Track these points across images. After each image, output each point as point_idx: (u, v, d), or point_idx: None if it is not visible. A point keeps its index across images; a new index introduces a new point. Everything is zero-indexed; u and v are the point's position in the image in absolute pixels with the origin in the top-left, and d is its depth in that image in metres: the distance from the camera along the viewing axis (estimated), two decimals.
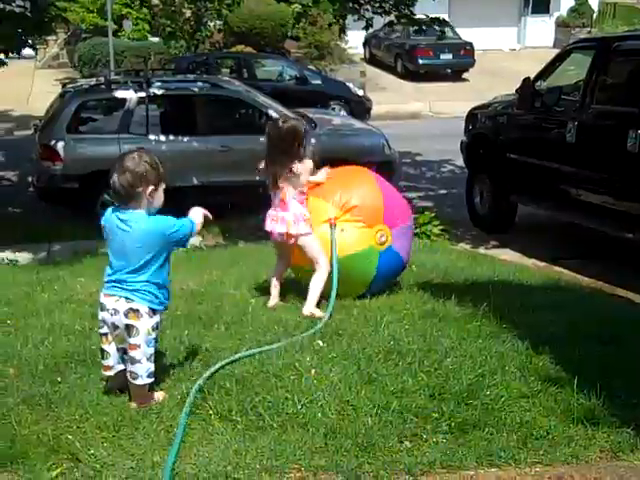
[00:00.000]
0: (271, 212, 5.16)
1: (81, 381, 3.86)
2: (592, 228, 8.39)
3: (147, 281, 3.56)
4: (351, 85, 19.33)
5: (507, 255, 9.08)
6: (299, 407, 3.49)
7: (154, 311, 3.60)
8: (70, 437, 3.32)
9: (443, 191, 12.67)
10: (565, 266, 8.43)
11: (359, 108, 17.78)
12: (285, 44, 24.92)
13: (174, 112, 11.74)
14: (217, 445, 3.25)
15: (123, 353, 3.64)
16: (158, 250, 3.59)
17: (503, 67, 25.51)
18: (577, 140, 8.27)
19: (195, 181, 11.02)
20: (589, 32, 28.82)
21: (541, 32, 30.78)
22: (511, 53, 30.10)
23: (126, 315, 3.54)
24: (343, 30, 16.85)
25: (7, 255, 8.80)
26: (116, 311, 3.56)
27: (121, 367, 3.66)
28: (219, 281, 6.15)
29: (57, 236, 9.85)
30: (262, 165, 5.22)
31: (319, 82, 18.36)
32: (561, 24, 30.69)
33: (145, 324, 3.55)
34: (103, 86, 11.43)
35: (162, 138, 11.05)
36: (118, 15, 23.06)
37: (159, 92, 11.31)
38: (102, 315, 3.63)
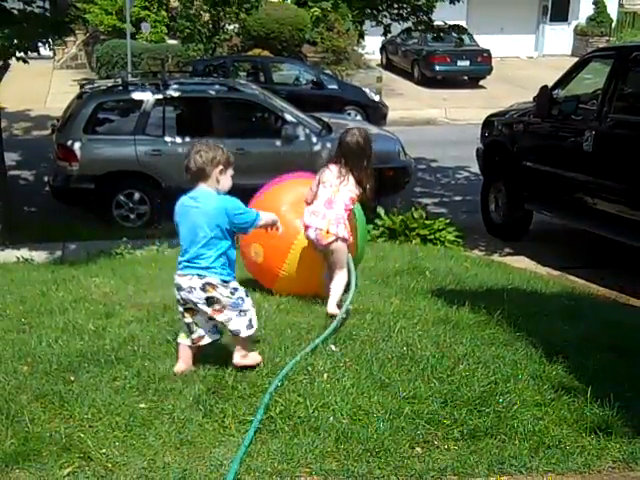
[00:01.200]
0: (312, 208, 5.10)
1: (94, 380, 3.88)
2: (608, 237, 8.35)
3: (217, 257, 3.88)
4: (367, 90, 19.28)
5: (521, 263, 9.05)
6: (311, 411, 3.50)
7: (226, 281, 3.90)
8: (82, 436, 3.33)
9: (458, 198, 12.64)
10: (579, 275, 8.39)
11: (375, 113, 17.73)
12: (302, 49, 24.92)
13: (190, 114, 11.76)
14: (229, 447, 3.26)
15: (213, 325, 4.01)
16: (224, 228, 3.89)
17: (520, 75, 25.43)
18: (594, 149, 8.24)
19: None
20: (608, 41, 28.69)
21: (559, 40, 30.65)
22: (529, 61, 30.00)
23: (203, 289, 3.88)
24: (362, 35, 16.82)
25: (22, 254, 8.84)
26: (192, 288, 3.89)
27: (216, 337, 4.05)
28: None
29: (72, 236, 9.90)
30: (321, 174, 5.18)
31: (335, 87, 18.32)
32: (580, 33, 30.54)
33: (222, 292, 3.90)
34: (120, 87, 11.48)
35: (178, 140, 11.08)
36: (136, 17, 23.15)
37: (176, 94, 11.34)
38: (180, 294, 3.96)
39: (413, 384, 3.76)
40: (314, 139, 11.39)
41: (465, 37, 19.30)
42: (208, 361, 4.06)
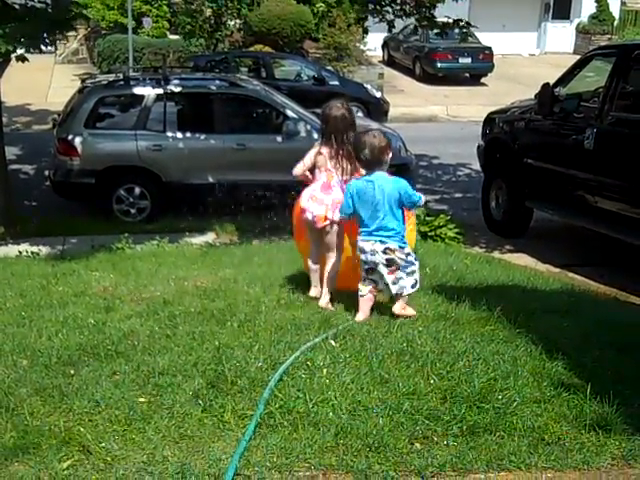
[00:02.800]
0: (311, 191, 5.19)
1: (94, 374, 3.88)
2: (608, 235, 8.35)
3: (392, 228, 4.74)
4: (369, 87, 19.27)
5: (522, 260, 9.06)
6: (310, 406, 3.49)
7: (401, 247, 4.77)
8: (82, 429, 3.33)
9: (459, 195, 12.64)
10: (579, 272, 8.40)
11: (376, 110, 17.72)
12: (304, 45, 24.89)
13: (191, 110, 11.76)
14: (228, 442, 3.26)
15: (386, 283, 4.81)
16: (397, 203, 4.75)
17: (522, 72, 25.41)
18: (595, 147, 8.24)
19: (210, 179, 11.04)
20: (610, 39, 28.66)
21: (561, 38, 30.63)
22: (530, 58, 29.97)
23: (384, 252, 4.75)
24: (366, 31, 16.78)
25: (23, 248, 8.85)
26: (374, 251, 4.76)
27: (394, 289, 4.82)
28: (233, 279, 6.16)
29: (73, 230, 9.91)
30: (316, 148, 5.26)
31: (337, 83, 18.30)
32: (582, 30, 30.52)
33: (399, 255, 4.78)
34: (122, 82, 11.47)
35: (179, 135, 11.09)
36: (138, 12, 23.12)
37: (177, 89, 11.34)
38: (364, 257, 4.82)
39: (413, 380, 3.76)
40: (315, 135, 11.37)
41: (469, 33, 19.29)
42: (207, 355, 4.06)
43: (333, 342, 4.28)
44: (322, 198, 5.12)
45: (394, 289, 4.82)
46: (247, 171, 11.04)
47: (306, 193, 5.23)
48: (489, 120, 10.98)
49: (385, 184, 4.75)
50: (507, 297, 5.32)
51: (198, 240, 9.77)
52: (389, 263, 4.77)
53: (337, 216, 5.07)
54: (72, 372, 3.91)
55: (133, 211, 10.97)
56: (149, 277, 6.49)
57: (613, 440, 3.36)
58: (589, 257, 8.97)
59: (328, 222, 5.11)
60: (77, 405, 3.54)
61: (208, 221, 10.45)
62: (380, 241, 4.74)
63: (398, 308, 4.82)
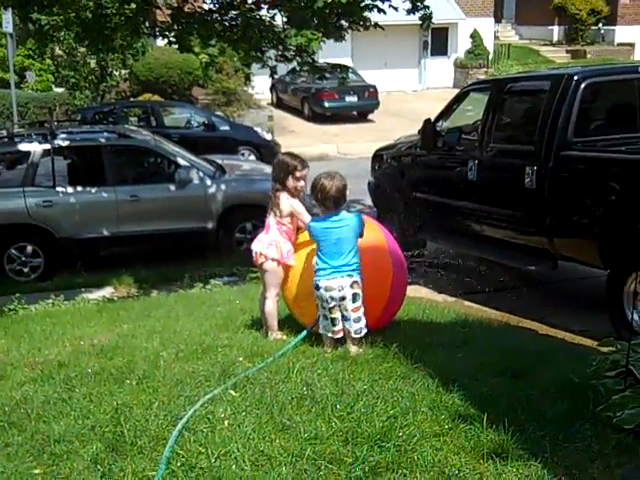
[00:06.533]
0: (259, 235, 5.60)
1: None
2: (498, 262, 8.65)
3: (356, 261, 4.98)
4: (259, 130, 19.46)
5: (418, 292, 9.21)
6: (213, 460, 3.46)
7: (361, 278, 4.99)
8: None
9: None
10: (474, 300, 8.62)
11: (268, 152, 17.84)
12: (193, 91, 24.96)
13: (81, 163, 11.62)
14: None
15: (343, 318, 5.00)
16: (357, 238, 5.03)
17: (407, 107, 26.15)
18: (478, 178, 8.54)
19: (105, 232, 10.89)
20: (486, 72, 29.90)
21: (441, 73, 31.74)
22: (414, 94, 30.90)
23: (351, 286, 4.94)
24: (248, 77, 17.04)
25: None
26: (342, 287, 4.93)
27: (355, 327, 4.99)
28: (131, 334, 6.07)
29: None
30: None
31: (227, 128, 18.42)
32: (459, 65, 31.77)
33: (361, 290, 4.97)
34: (6, 139, 11.24)
35: (70, 190, 10.92)
36: (20, 67, 22.71)
37: (64, 144, 11.19)
38: (329, 294, 4.96)
39: (314, 424, 3.78)
40: (208, 182, 11.39)
41: (351, 74, 19.75)
42: (105, 417, 3.98)
43: (233, 392, 4.27)
44: (262, 238, 5.49)
45: (355, 327, 4.99)
46: (142, 222, 10.96)
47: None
48: (377, 156, 11.24)
49: (350, 221, 5.04)
50: (403, 332, 5.43)
51: (95, 295, 9.59)
52: (355, 298, 4.96)
53: (271, 253, 5.37)
54: None
55: (26, 270, 10.70)
56: (43, 339, 6.33)
57: (511, 467, 3.44)
58: (483, 284, 9.23)
59: (263, 259, 5.41)
60: None
61: (105, 275, 10.27)
62: (348, 275, 4.95)
63: (355, 350, 4.96)
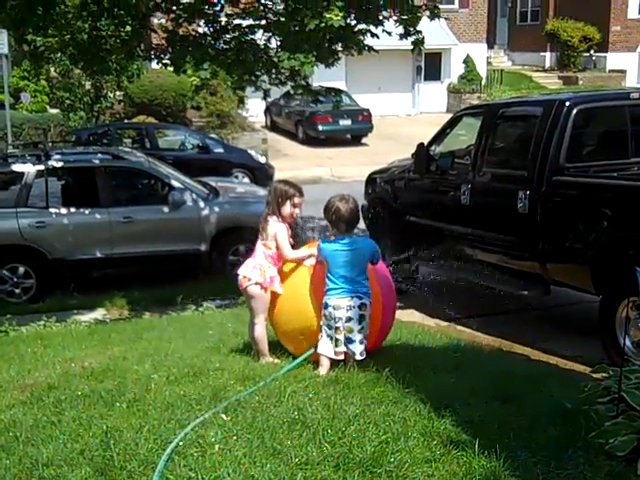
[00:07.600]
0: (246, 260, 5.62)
1: None
2: (490, 287, 8.64)
3: (366, 285, 5.09)
4: (253, 152, 19.50)
5: (411, 316, 9.21)
6: None
7: (370, 303, 5.08)
8: None
9: None
10: (466, 325, 8.62)
11: (262, 175, 17.91)
12: (187, 113, 25.04)
13: (75, 184, 11.64)
14: None
15: (347, 341, 5.05)
16: (367, 263, 5.15)
17: (400, 131, 26.26)
18: (471, 202, 8.57)
19: (98, 253, 10.87)
20: (479, 97, 30.10)
21: (434, 98, 31.93)
22: (407, 118, 31.06)
23: (359, 308, 5.03)
24: (242, 101, 17.11)
25: None
26: (350, 307, 5.02)
27: (359, 349, 5.07)
28: (122, 357, 6.04)
29: None
30: None
31: (221, 150, 18.45)
32: (452, 90, 32.00)
33: (369, 313, 5.08)
34: (0, 160, 11.25)
35: (63, 211, 10.91)
36: (15, 88, 22.77)
37: (58, 165, 11.20)
38: (337, 313, 5.03)
39: (305, 449, 3.75)
40: (202, 204, 11.40)
41: (345, 97, 19.85)
42: (95, 440, 3.95)
43: (224, 416, 4.24)
44: (248, 262, 5.52)
45: (360, 348, 5.06)
46: (135, 243, 10.95)
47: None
48: (370, 180, 11.28)
49: (360, 245, 5.19)
50: (395, 357, 5.42)
51: (87, 317, 9.56)
52: (361, 319, 5.05)
53: (255, 276, 5.38)
54: None
55: (18, 291, 10.65)
56: (34, 361, 6.29)
57: None
58: (475, 309, 9.22)
59: (247, 282, 5.41)
60: None
61: (97, 297, 10.24)
62: (358, 297, 5.04)
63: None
